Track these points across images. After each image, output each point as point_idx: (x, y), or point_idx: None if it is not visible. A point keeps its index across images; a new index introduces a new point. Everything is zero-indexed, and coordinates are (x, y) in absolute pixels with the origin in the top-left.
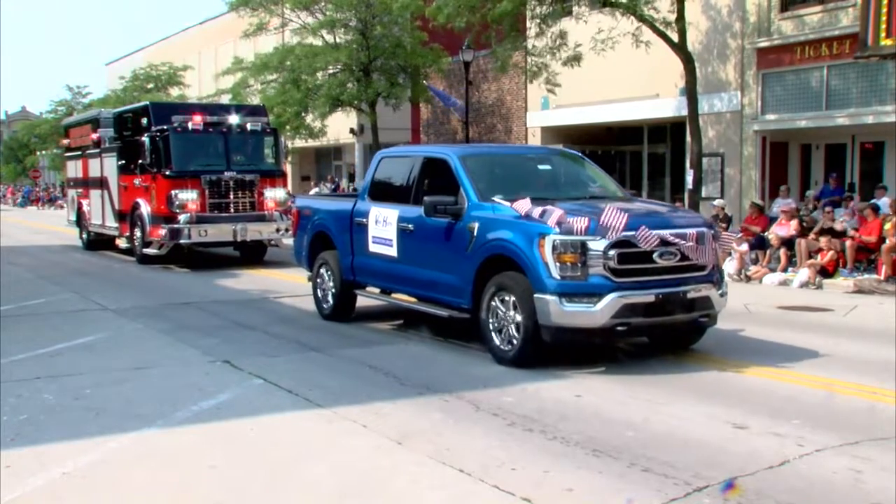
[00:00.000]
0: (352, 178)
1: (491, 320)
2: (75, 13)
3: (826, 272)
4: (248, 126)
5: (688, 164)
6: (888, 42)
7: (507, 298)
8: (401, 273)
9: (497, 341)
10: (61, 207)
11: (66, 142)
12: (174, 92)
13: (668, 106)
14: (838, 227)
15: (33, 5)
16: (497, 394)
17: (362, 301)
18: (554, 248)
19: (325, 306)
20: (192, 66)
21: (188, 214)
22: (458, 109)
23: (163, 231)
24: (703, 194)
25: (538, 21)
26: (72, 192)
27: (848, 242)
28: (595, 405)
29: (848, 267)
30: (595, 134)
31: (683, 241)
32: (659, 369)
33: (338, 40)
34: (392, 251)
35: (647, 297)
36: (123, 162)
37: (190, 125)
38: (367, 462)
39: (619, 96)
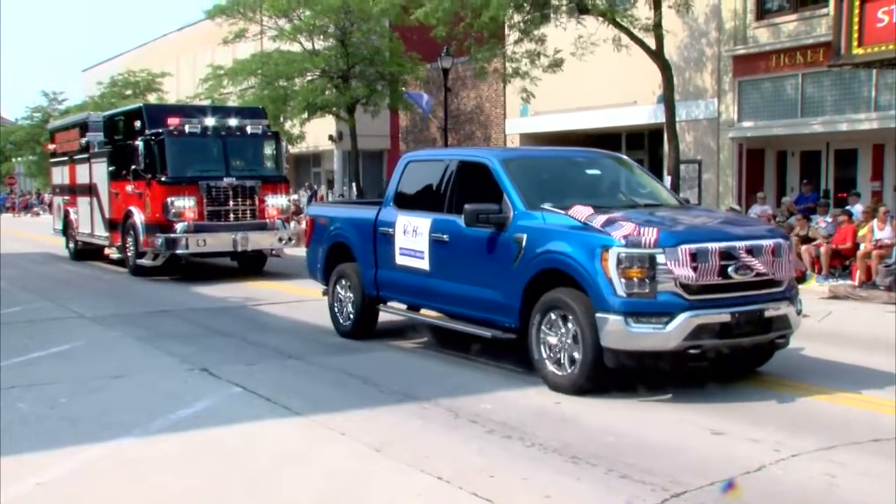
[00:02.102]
0: (331, 184)
1: (543, 342)
2: (50, 19)
3: (800, 278)
4: (248, 129)
5: (665, 171)
6: (860, 51)
7: (562, 318)
8: (433, 288)
9: (550, 366)
10: (37, 215)
11: (51, 147)
12: (152, 98)
13: (646, 113)
14: (812, 234)
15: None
16: (475, 401)
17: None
18: (619, 262)
19: (343, 323)
20: (171, 73)
21: (185, 223)
22: (429, 110)
23: (158, 241)
24: None
25: (517, 29)
26: (58, 200)
27: (822, 248)
28: (574, 412)
29: (823, 273)
30: (573, 140)
31: (759, 254)
32: (636, 376)
33: (316, 47)
34: (423, 264)
35: (723, 316)
36: (114, 168)
37: (187, 128)
38: (346, 469)
39: (597, 103)
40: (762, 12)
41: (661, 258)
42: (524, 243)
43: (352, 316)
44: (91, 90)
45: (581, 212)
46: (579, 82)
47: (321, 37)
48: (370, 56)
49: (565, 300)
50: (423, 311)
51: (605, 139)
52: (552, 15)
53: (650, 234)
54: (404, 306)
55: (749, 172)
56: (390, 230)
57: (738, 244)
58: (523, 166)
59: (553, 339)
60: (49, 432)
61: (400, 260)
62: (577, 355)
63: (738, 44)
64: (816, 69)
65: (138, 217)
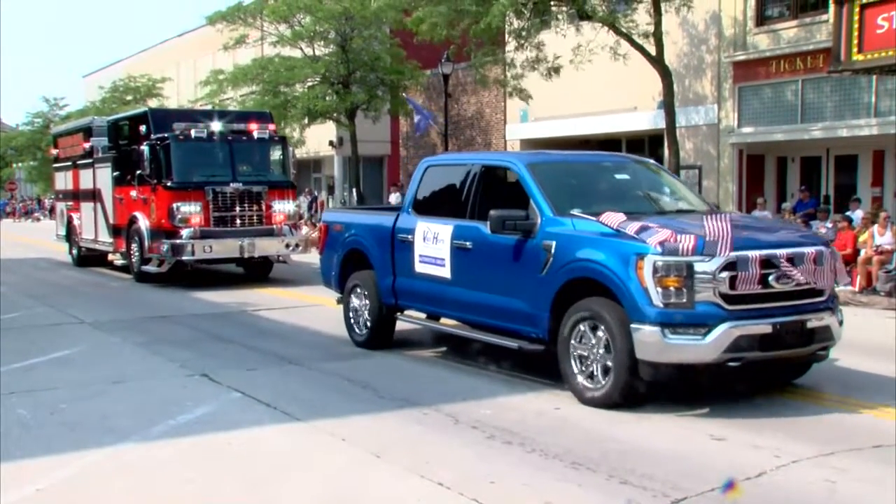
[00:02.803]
0: (331, 190)
1: (573, 354)
2: (51, 24)
3: None
4: (255, 134)
5: None
6: (860, 57)
7: (594, 329)
8: (455, 297)
9: (581, 379)
10: (38, 220)
11: (54, 152)
12: (153, 104)
13: (646, 119)
14: None
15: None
16: (476, 406)
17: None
18: (655, 270)
19: (358, 332)
20: (171, 78)
21: (191, 229)
22: (423, 129)
23: (164, 247)
24: None
25: (516, 35)
26: (61, 206)
27: None
28: (574, 417)
29: None
30: (573, 146)
31: (800, 262)
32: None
33: (317, 53)
34: (444, 272)
35: (764, 327)
36: (119, 173)
37: (193, 133)
38: (346, 475)
39: (597, 109)
40: (762, 19)
41: (699, 266)
42: (553, 251)
43: (368, 325)
44: (92, 95)
45: (613, 218)
46: (579, 88)
47: (322, 42)
48: (370, 62)
49: (597, 310)
50: (442, 320)
51: (606, 145)
52: (552, 21)
53: (687, 241)
54: (422, 315)
55: (749, 178)
56: (409, 237)
57: (778, 252)
58: (550, 171)
59: (584, 351)
60: (49, 438)
61: (419, 268)
62: (609, 368)
63: (738, 50)
64: (816, 75)
65: (143, 223)
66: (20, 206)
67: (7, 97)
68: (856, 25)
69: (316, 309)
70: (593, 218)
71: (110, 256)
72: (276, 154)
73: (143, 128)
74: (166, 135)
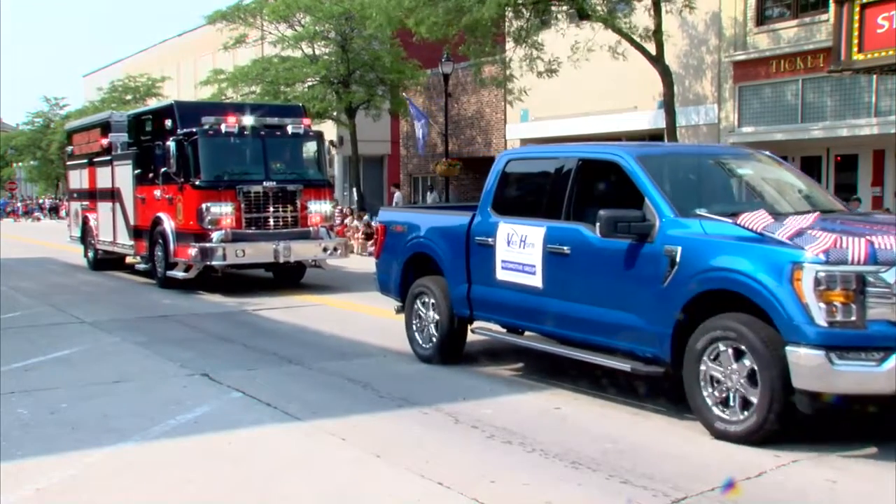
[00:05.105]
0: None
1: (705, 379)
2: (51, 24)
3: None
4: (290, 129)
5: None
6: (860, 57)
7: (735, 351)
8: (547, 308)
9: (717, 410)
10: (38, 220)
11: (69, 148)
12: (152, 103)
13: (647, 118)
14: None
15: (7, 16)
16: (476, 406)
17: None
18: (817, 282)
19: (424, 346)
20: (171, 77)
21: (222, 231)
22: (422, 147)
23: (192, 251)
24: None
25: (515, 36)
26: (75, 205)
27: None
28: (574, 417)
29: None
30: None
31: None
32: (638, 383)
33: (317, 52)
34: (534, 280)
35: None
36: (140, 171)
37: (223, 127)
38: (346, 475)
39: (597, 108)
40: (762, 18)
41: (873, 278)
42: (678, 258)
43: (435, 338)
44: (92, 95)
45: (756, 220)
46: (580, 88)
47: (322, 42)
48: (370, 62)
49: (739, 329)
50: (526, 334)
51: None
52: (552, 21)
53: (857, 248)
54: (496, 327)
55: None
56: (489, 240)
57: None
58: (663, 165)
59: (718, 375)
60: (49, 438)
61: (502, 275)
62: (753, 399)
63: (738, 50)
64: (817, 75)
65: (168, 224)
66: (20, 206)
67: (7, 97)
68: (856, 25)
69: (316, 309)
70: (727, 219)
71: (130, 260)
72: (310, 150)
73: (168, 122)
74: (194, 129)
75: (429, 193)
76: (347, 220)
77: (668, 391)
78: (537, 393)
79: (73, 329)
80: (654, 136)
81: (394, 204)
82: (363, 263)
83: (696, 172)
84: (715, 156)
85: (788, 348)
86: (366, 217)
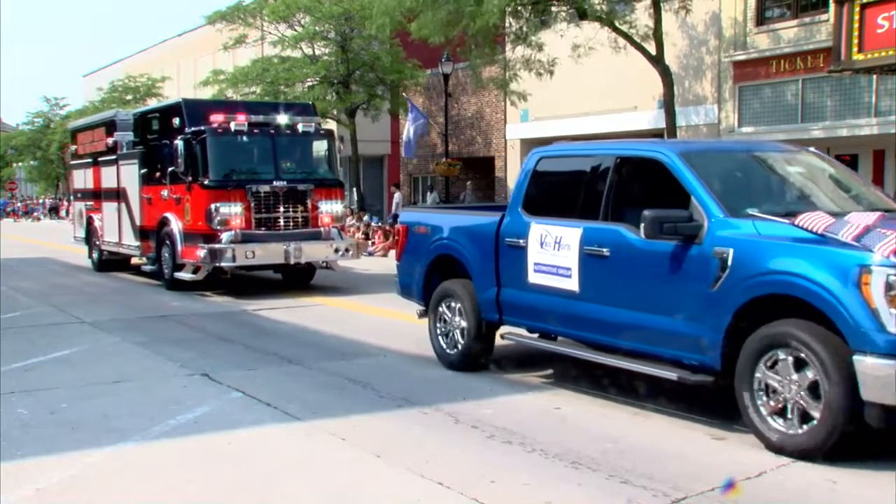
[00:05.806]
0: None
1: (760, 388)
2: (51, 25)
3: None
4: (300, 127)
5: None
6: (860, 57)
7: (794, 359)
8: (584, 314)
9: (772, 421)
10: (38, 220)
11: (73, 148)
12: (154, 103)
13: (646, 119)
14: None
15: (6, 16)
16: (476, 406)
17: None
18: (889, 287)
19: (449, 351)
20: (171, 77)
21: (231, 232)
22: (413, 137)
23: (201, 252)
24: None
25: (514, 37)
26: (79, 206)
27: None
28: (574, 417)
29: None
30: None
31: None
32: (639, 383)
33: (317, 52)
34: (570, 284)
35: None
36: (147, 170)
37: (232, 126)
38: (346, 475)
39: (597, 108)
40: (762, 19)
41: None
42: (730, 260)
43: (460, 344)
44: (92, 95)
45: (816, 220)
46: (580, 88)
47: (322, 43)
48: (370, 62)
49: (800, 336)
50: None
51: None
52: (552, 21)
53: None
54: (526, 332)
55: None
56: (521, 241)
57: None
58: (709, 162)
59: (775, 384)
60: (49, 438)
61: (534, 278)
62: (814, 412)
63: (738, 50)
64: (817, 75)
65: (176, 225)
66: (20, 206)
67: (7, 97)
68: (856, 25)
69: (317, 309)
70: (783, 220)
71: (135, 261)
72: (321, 149)
73: (175, 120)
74: (202, 128)
75: (429, 193)
76: (347, 220)
77: (669, 391)
78: (537, 393)
79: (73, 329)
80: (654, 136)
81: (394, 204)
82: (363, 263)
83: (742, 170)
84: (762, 153)
85: (856, 357)
86: (365, 217)
